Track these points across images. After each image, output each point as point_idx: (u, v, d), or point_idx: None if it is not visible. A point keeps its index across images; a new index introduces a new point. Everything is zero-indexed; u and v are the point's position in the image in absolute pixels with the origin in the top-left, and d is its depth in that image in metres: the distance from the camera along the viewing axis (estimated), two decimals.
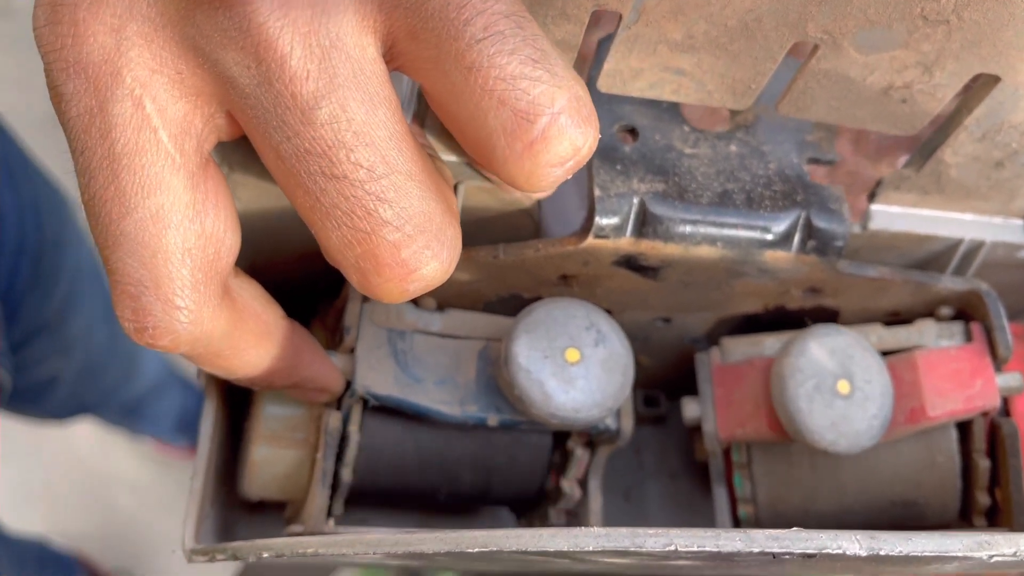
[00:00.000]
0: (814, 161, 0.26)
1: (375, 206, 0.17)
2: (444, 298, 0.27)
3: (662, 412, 0.34)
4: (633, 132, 0.25)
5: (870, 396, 0.25)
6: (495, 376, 0.26)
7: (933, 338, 0.27)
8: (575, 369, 0.24)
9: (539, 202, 0.25)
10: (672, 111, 0.25)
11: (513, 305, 0.27)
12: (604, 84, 0.22)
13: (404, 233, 0.18)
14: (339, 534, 0.20)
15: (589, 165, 0.24)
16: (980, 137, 0.24)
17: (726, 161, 0.25)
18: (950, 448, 0.27)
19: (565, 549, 0.17)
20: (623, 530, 0.17)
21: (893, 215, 0.27)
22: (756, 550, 0.17)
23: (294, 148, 0.17)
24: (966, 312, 0.28)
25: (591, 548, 0.17)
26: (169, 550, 0.98)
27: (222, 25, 0.16)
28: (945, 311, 0.28)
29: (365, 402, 0.25)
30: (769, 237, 0.24)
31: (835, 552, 0.17)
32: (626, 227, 0.24)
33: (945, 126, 0.24)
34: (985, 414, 0.27)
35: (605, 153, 0.24)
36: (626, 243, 0.24)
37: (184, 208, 0.18)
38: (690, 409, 0.29)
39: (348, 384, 0.25)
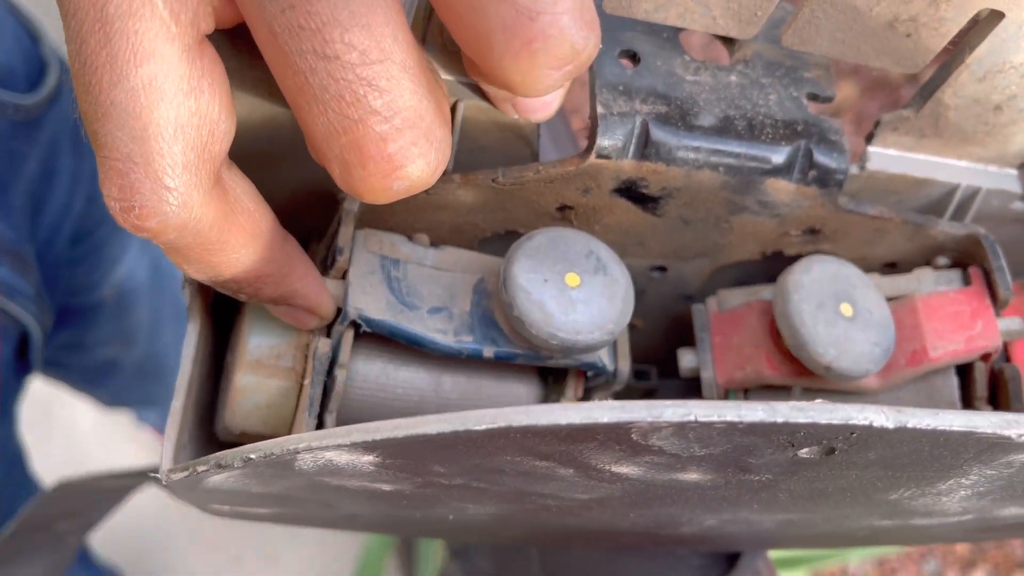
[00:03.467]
0: (812, 97, 0.26)
1: (365, 92, 0.17)
2: (438, 234, 0.26)
3: (653, 386, 0.33)
4: (635, 57, 0.24)
5: (871, 324, 0.25)
6: (491, 308, 0.25)
7: (931, 285, 0.27)
8: (575, 293, 0.24)
9: (538, 128, 0.25)
10: (672, 41, 0.25)
11: (509, 244, 0.27)
12: (610, 5, 0.22)
13: (392, 125, 0.17)
14: (331, 429, 0.19)
15: (592, 86, 0.24)
16: (981, 77, 0.24)
17: (727, 90, 0.25)
18: (952, 395, 0.26)
19: (577, 422, 0.16)
20: (639, 402, 0.17)
21: (890, 158, 0.27)
22: (780, 420, 0.16)
23: (288, 23, 0.17)
24: (963, 261, 0.27)
25: (606, 420, 0.16)
26: (177, 543, 0.98)
27: None
28: (942, 260, 0.28)
29: (356, 329, 0.24)
30: (770, 165, 0.24)
31: (862, 424, 0.16)
32: (628, 149, 0.23)
33: (947, 64, 0.24)
34: (986, 358, 0.26)
35: (607, 75, 0.24)
36: (628, 165, 0.24)
37: (178, 81, 0.17)
38: (687, 359, 0.28)
39: (338, 313, 0.24)
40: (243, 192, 0.20)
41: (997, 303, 0.26)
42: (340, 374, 0.24)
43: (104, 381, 0.71)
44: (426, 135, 0.18)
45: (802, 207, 0.25)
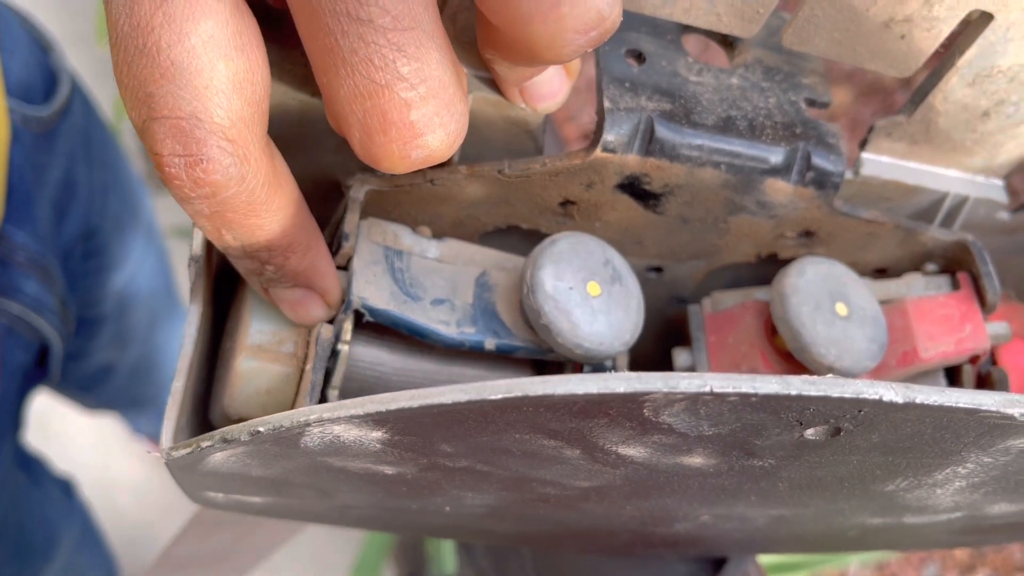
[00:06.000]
0: (810, 103, 0.26)
1: (394, 57, 0.17)
2: (440, 227, 0.27)
3: None
4: (640, 57, 0.25)
5: (866, 320, 0.25)
6: (493, 301, 0.25)
7: (920, 290, 0.28)
8: (596, 302, 0.24)
9: (544, 124, 0.25)
10: (676, 43, 0.26)
11: (509, 240, 0.27)
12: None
13: (417, 93, 0.18)
14: (343, 400, 0.19)
15: (599, 81, 0.24)
16: (970, 82, 0.25)
17: (728, 91, 0.25)
18: None
19: (594, 392, 0.17)
20: (656, 373, 0.17)
21: (883, 164, 0.27)
22: (793, 392, 0.17)
23: None
24: (951, 268, 0.28)
25: (622, 390, 0.17)
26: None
27: None
28: (931, 267, 0.28)
29: (358, 319, 0.24)
30: (769, 165, 0.25)
31: (872, 398, 0.17)
32: (633, 143, 0.24)
33: (938, 69, 0.25)
34: (974, 361, 0.27)
35: (614, 71, 0.24)
36: (632, 160, 0.24)
37: (232, 37, 0.18)
38: (682, 358, 0.28)
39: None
40: (281, 160, 0.21)
41: (985, 307, 0.27)
42: (341, 361, 0.24)
43: (98, 386, 0.71)
44: (448, 106, 0.18)
45: (798, 209, 0.26)
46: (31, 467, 0.54)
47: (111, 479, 1.08)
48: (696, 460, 0.21)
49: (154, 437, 1.02)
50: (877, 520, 0.26)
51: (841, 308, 0.25)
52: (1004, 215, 0.29)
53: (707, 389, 0.17)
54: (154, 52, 0.17)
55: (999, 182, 0.28)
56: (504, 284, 0.26)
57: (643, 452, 0.20)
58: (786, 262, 0.28)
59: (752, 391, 0.17)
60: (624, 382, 0.17)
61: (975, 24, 0.23)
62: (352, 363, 0.25)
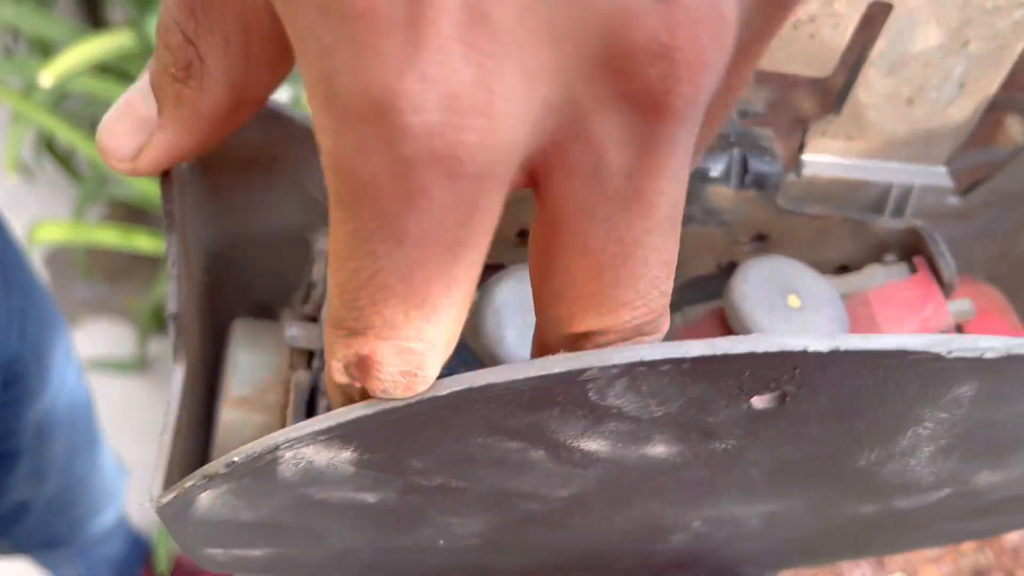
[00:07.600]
0: (743, 114, 0.28)
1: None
2: None
3: None
4: None
5: (820, 303, 0.26)
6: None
7: (882, 279, 0.29)
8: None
9: None
10: None
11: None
12: None
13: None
14: (306, 420, 0.20)
15: None
16: (888, 72, 0.26)
17: None
18: None
19: (533, 375, 0.18)
20: (591, 351, 0.18)
21: (823, 164, 0.29)
22: (719, 353, 0.17)
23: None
24: (909, 255, 0.29)
25: (558, 370, 0.17)
26: None
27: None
28: (890, 257, 0.29)
29: None
30: (709, 175, 0.26)
31: (797, 349, 0.17)
32: None
33: (855, 64, 0.27)
34: None
35: None
36: None
37: None
38: None
39: (312, 354, 0.26)
40: None
41: (943, 286, 0.27)
42: (322, 403, 0.25)
43: (11, 527, 0.67)
44: None
45: (744, 211, 0.27)
46: None
47: None
48: (659, 449, 0.21)
49: None
50: (868, 507, 0.26)
51: (794, 300, 0.26)
52: (953, 200, 0.29)
53: (638, 359, 0.17)
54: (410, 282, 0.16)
55: (942, 168, 0.29)
56: None
57: (605, 445, 0.21)
58: None
59: (681, 355, 0.17)
60: (560, 362, 0.18)
61: (879, 15, 0.25)
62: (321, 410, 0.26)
